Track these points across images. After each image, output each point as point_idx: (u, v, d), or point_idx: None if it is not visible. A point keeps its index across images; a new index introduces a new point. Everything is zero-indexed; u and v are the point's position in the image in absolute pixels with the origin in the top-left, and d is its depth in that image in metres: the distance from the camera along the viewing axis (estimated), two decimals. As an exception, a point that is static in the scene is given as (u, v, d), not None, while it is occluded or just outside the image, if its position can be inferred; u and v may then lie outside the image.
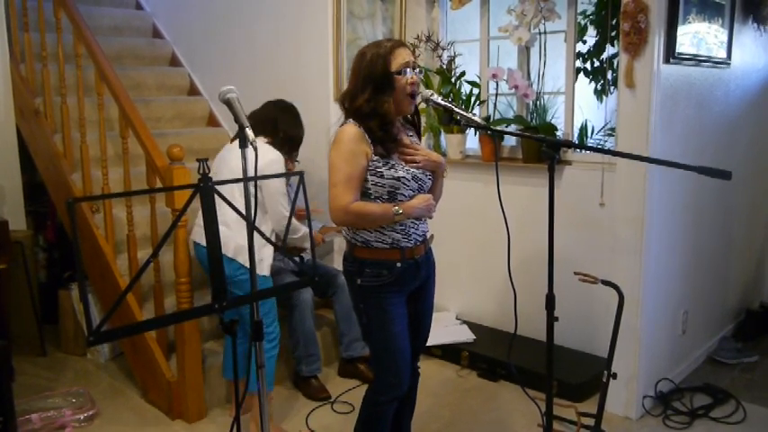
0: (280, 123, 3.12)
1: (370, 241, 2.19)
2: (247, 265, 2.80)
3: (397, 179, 2.15)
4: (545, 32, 3.55)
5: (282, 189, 2.99)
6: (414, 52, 2.35)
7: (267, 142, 3.03)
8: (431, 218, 2.29)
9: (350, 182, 2.11)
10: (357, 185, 2.13)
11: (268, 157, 2.91)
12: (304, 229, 3.17)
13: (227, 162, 2.99)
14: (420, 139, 2.38)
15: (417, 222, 2.25)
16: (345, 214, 2.13)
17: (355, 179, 2.12)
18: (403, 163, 2.19)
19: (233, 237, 2.80)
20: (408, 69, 2.13)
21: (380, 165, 2.14)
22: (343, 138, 2.13)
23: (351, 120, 2.17)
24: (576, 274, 2.78)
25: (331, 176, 2.14)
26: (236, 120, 1.93)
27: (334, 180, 2.13)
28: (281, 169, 2.94)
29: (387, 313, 2.20)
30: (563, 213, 3.41)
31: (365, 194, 2.17)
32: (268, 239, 2.16)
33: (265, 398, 2.09)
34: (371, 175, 2.14)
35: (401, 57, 2.13)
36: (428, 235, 2.33)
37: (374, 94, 2.12)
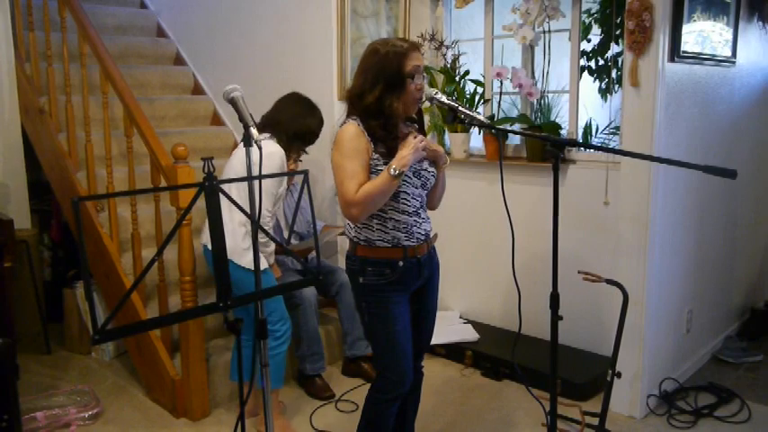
0: (283, 119, 3.00)
1: (372, 240, 2.19)
2: (241, 264, 2.80)
3: None
4: (549, 31, 3.55)
5: (271, 188, 2.87)
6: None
7: (270, 137, 2.94)
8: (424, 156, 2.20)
9: (356, 177, 2.10)
10: (365, 178, 2.11)
11: (266, 150, 2.85)
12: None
13: (230, 162, 2.98)
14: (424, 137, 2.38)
15: (420, 221, 2.24)
16: (354, 206, 2.09)
17: (361, 173, 2.11)
18: None
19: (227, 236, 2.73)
20: (417, 75, 2.13)
21: (381, 163, 2.14)
22: (344, 137, 2.13)
23: (350, 119, 2.17)
24: (580, 273, 2.78)
25: (336, 177, 2.14)
26: (241, 119, 1.94)
27: (340, 179, 2.12)
28: (279, 163, 2.83)
29: (389, 312, 2.20)
30: (567, 212, 3.41)
31: None
32: (276, 241, 2.16)
33: (269, 396, 2.10)
34: (373, 173, 2.14)
35: (414, 60, 2.12)
36: (431, 234, 2.33)
37: (384, 91, 2.11)
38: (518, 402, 3.23)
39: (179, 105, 4.59)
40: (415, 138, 2.15)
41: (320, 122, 3.18)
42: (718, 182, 3.32)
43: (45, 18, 3.96)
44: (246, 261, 2.80)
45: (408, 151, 2.10)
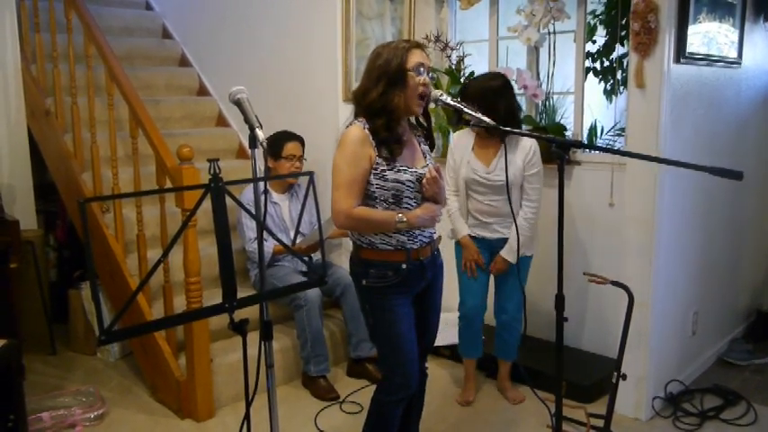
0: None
1: (375, 243, 2.19)
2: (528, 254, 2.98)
3: (401, 182, 2.15)
4: (554, 32, 3.54)
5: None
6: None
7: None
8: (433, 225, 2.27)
9: (352, 186, 2.12)
10: (359, 189, 2.13)
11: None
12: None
13: None
14: (432, 148, 2.36)
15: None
16: (347, 218, 2.13)
17: (358, 183, 2.12)
18: (408, 166, 2.19)
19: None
20: (422, 69, 2.13)
21: (385, 167, 2.14)
22: (347, 140, 2.14)
23: (356, 121, 2.17)
24: (585, 274, 2.78)
25: (334, 179, 2.15)
26: (246, 120, 1.94)
27: (336, 183, 2.14)
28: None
29: (392, 314, 2.20)
30: (572, 214, 3.41)
31: (370, 197, 2.17)
32: (279, 241, 2.15)
33: (275, 396, 2.09)
34: (376, 177, 2.14)
35: (417, 57, 2.14)
36: (435, 236, 2.33)
37: (387, 88, 2.11)
38: (523, 404, 3.23)
39: (184, 106, 4.60)
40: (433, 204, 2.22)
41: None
42: (725, 183, 3.29)
43: (51, 20, 3.97)
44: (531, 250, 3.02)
45: (424, 214, 2.17)
